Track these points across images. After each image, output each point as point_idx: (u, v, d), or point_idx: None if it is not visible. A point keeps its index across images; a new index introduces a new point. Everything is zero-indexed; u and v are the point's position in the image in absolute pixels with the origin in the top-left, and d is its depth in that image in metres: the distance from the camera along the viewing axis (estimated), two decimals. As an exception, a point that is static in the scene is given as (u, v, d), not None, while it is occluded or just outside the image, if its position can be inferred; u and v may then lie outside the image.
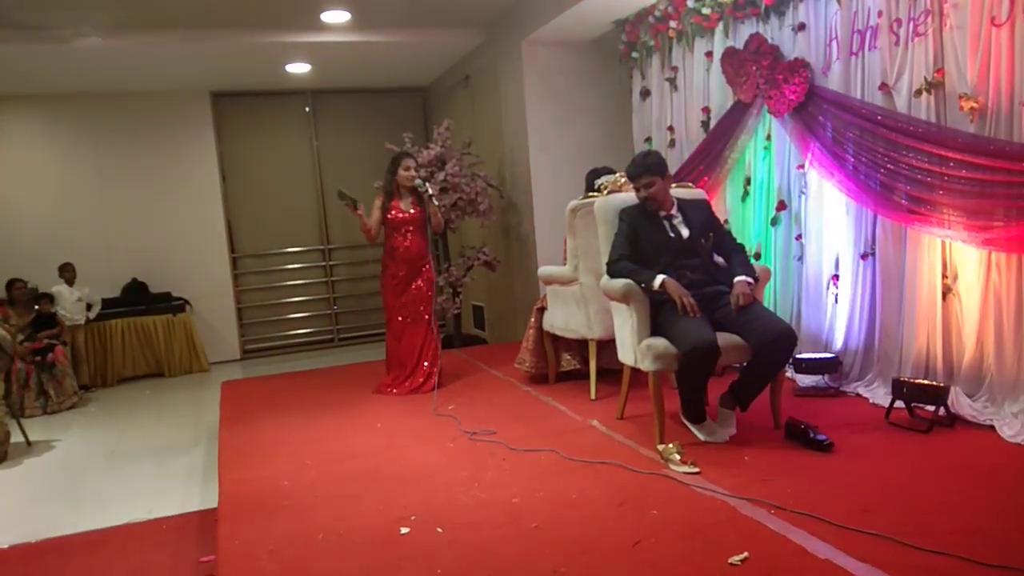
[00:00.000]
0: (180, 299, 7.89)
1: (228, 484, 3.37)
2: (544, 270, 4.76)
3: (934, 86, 3.52)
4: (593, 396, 4.30)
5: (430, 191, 4.84)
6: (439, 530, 2.68)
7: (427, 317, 4.93)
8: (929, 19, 3.52)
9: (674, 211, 3.62)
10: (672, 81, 5.37)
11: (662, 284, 3.38)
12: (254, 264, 8.65)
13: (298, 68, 7.46)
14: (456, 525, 2.71)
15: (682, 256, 3.55)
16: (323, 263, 8.87)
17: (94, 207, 7.82)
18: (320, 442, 3.93)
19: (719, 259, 3.69)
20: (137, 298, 7.79)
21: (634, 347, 3.48)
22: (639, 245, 3.58)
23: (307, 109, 8.74)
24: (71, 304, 6.99)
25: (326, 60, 7.27)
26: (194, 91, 8.02)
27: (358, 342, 8.72)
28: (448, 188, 6.50)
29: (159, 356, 7.64)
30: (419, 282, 4.89)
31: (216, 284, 8.24)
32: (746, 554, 2.30)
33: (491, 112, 7.09)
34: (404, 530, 2.70)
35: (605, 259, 3.82)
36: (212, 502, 3.33)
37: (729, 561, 2.27)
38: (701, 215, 3.67)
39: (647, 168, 3.56)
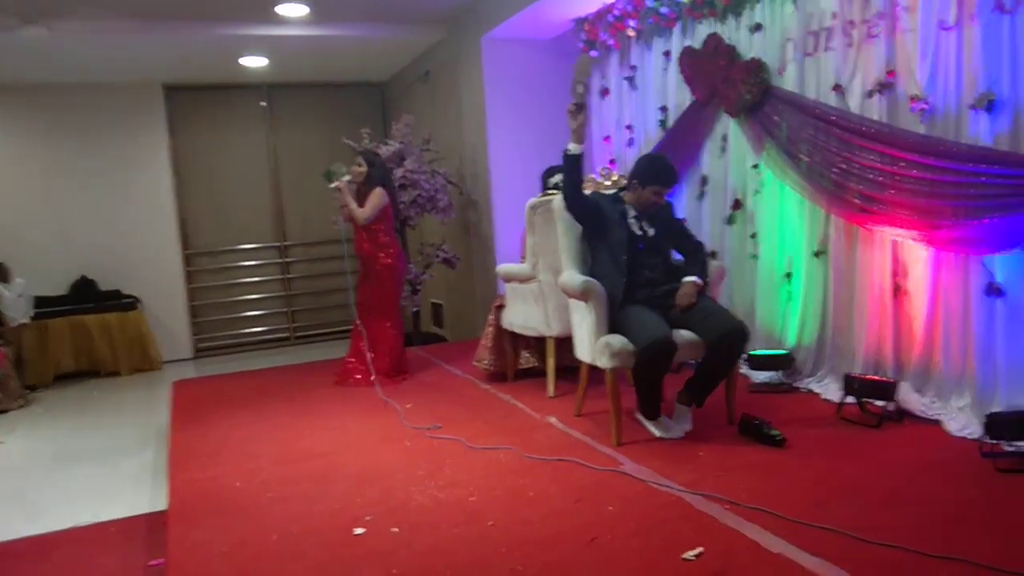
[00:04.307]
0: (130, 297, 7.70)
1: (179, 485, 3.30)
2: (503, 268, 4.75)
3: (885, 87, 3.59)
4: (551, 393, 4.31)
5: (333, 183, 4.90)
6: (395, 530, 2.65)
7: (379, 316, 5.01)
8: (881, 22, 3.59)
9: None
10: (631, 80, 5.39)
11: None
12: (208, 261, 8.46)
13: (254, 61, 7.32)
14: (412, 525, 2.69)
15: (645, 254, 3.58)
16: (279, 260, 8.73)
17: (40, 202, 7.56)
18: (274, 442, 3.87)
19: (677, 257, 3.73)
20: (86, 296, 7.57)
21: (592, 344, 3.49)
22: (603, 222, 3.61)
23: (263, 103, 8.58)
24: (12, 303, 6.75)
25: (283, 54, 7.14)
26: (146, 84, 7.80)
27: (315, 340, 8.60)
28: (407, 184, 6.44)
29: (108, 355, 7.43)
30: (370, 278, 4.99)
31: (168, 281, 8.04)
32: (700, 549, 2.32)
33: (451, 109, 7.04)
34: (359, 530, 2.66)
35: (564, 257, 3.83)
36: (162, 504, 3.25)
37: (683, 556, 2.29)
38: (665, 214, 3.71)
39: (675, 179, 3.71)
